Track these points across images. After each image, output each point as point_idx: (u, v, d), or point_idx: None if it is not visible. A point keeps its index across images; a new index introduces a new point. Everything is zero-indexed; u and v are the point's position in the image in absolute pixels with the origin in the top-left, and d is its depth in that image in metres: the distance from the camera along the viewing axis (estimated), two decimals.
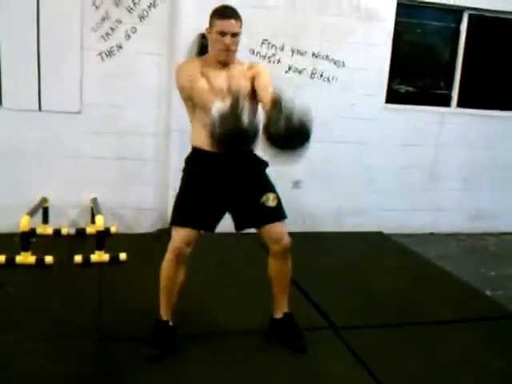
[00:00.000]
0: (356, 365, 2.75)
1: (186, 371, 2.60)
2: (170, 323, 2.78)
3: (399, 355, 2.87)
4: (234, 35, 2.58)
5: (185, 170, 2.78)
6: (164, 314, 2.77)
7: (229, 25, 2.56)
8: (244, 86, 2.64)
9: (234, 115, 2.19)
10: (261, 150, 2.40)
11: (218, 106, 2.22)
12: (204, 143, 2.57)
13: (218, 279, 3.68)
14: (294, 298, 3.10)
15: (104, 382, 2.48)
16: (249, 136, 2.24)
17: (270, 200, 2.72)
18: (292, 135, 2.26)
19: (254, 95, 2.65)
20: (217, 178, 2.69)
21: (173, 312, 2.79)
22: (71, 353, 2.67)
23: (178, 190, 2.78)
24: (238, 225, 2.79)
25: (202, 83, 2.61)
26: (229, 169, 2.68)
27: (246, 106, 2.22)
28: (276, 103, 2.25)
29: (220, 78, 2.64)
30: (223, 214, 2.77)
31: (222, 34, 2.56)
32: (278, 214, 2.75)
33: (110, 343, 2.79)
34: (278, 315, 2.92)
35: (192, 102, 2.66)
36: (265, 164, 2.79)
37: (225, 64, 2.66)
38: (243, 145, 2.31)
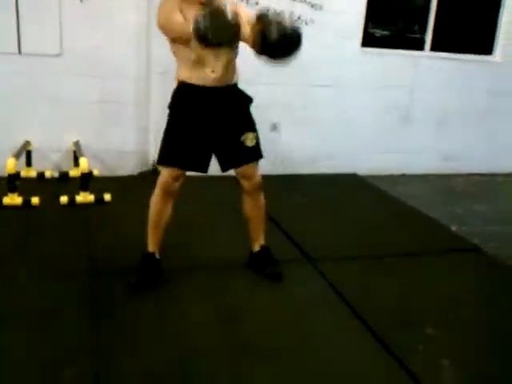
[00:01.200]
0: (330, 292, 2.97)
1: (172, 300, 2.78)
2: (157, 256, 2.93)
3: (372, 285, 3.09)
4: None
5: (171, 107, 2.82)
6: (151, 246, 2.92)
7: None
8: None
9: (217, 11, 2.32)
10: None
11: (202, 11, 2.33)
12: (190, 77, 2.68)
13: (206, 219, 3.83)
14: (271, 233, 3.28)
15: (95, 313, 2.63)
16: (232, 27, 2.32)
17: (248, 140, 2.82)
18: (285, 40, 2.36)
19: None
20: (202, 113, 2.74)
21: (160, 247, 2.94)
22: (62, 288, 2.80)
23: (165, 127, 2.83)
24: (222, 165, 2.90)
25: (178, 17, 2.57)
26: (214, 103, 2.74)
27: (226, 7, 2.32)
28: (262, 16, 2.35)
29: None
30: (209, 153, 2.85)
31: None
32: (254, 154, 2.87)
33: (100, 278, 2.95)
34: (256, 249, 3.11)
35: (174, 38, 2.66)
36: (248, 100, 2.87)
37: (205, 3, 2.59)
38: (228, 36, 2.35)
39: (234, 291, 2.93)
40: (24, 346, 2.33)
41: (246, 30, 2.48)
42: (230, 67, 2.76)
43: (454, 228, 4.11)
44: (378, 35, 5.26)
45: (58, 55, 4.34)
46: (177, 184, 2.80)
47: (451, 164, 5.66)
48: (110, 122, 4.61)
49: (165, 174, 2.80)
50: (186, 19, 2.57)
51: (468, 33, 5.57)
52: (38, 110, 4.40)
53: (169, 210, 2.86)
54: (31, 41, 4.24)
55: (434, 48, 5.42)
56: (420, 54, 5.39)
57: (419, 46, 5.40)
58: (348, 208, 4.37)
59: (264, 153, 2.93)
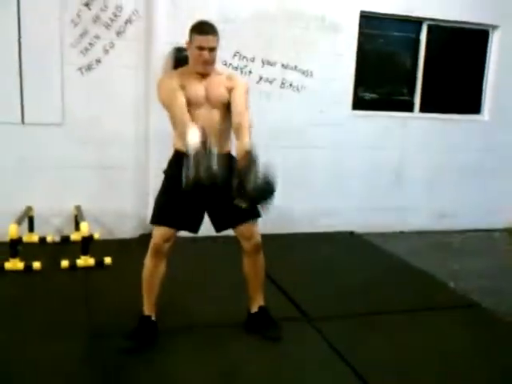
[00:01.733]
0: (329, 351, 2.98)
1: (168, 361, 2.79)
2: (153, 318, 2.97)
3: (370, 342, 3.11)
4: (212, 49, 2.78)
5: (166, 172, 2.96)
6: (146, 308, 2.96)
7: (207, 40, 2.75)
8: (222, 95, 2.85)
9: (205, 163, 2.49)
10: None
11: (192, 146, 2.49)
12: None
13: (202, 279, 3.87)
14: (269, 292, 3.33)
15: (93, 374, 2.65)
16: (217, 179, 2.52)
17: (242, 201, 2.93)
18: (261, 194, 2.64)
19: (229, 105, 2.85)
20: None
21: (156, 307, 2.97)
22: (62, 351, 2.84)
23: (158, 190, 2.95)
24: (216, 226, 2.99)
25: (181, 100, 2.74)
26: None
27: (214, 151, 2.51)
28: (248, 166, 2.59)
29: (198, 89, 2.82)
30: (202, 214, 2.95)
31: (201, 48, 2.75)
32: (250, 213, 2.93)
33: (99, 340, 2.97)
34: (254, 309, 3.13)
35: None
36: None
37: (203, 75, 2.86)
38: (212, 186, 2.55)
39: (231, 351, 2.94)
40: None
41: (239, 121, 2.72)
42: (224, 135, 2.90)
43: (451, 284, 4.14)
44: (367, 98, 5.45)
45: (59, 124, 4.50)
46: (167, 245, 2.88)
47: (446, 221, 5.73)
48: (110, 186, 4.72)
49: (156, 234, 2.88)
50: (189, 94, 2.78)
51: (455, 93, 5.77)
52: (40, 176, 4.52)
53: (161, 270, 2.92)
54: (34, 111, 4.42)
55: (422, 109, 5.61)
56: (408, 115, 5.57)
57: (408, 107, 5.60)
58: (345, 266, 4.43)
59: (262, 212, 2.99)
